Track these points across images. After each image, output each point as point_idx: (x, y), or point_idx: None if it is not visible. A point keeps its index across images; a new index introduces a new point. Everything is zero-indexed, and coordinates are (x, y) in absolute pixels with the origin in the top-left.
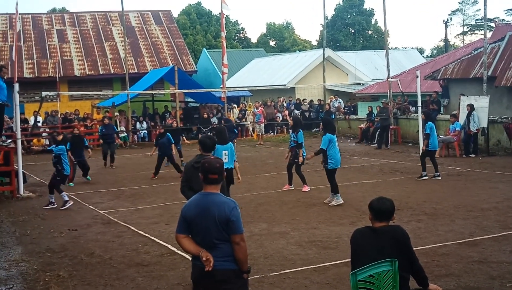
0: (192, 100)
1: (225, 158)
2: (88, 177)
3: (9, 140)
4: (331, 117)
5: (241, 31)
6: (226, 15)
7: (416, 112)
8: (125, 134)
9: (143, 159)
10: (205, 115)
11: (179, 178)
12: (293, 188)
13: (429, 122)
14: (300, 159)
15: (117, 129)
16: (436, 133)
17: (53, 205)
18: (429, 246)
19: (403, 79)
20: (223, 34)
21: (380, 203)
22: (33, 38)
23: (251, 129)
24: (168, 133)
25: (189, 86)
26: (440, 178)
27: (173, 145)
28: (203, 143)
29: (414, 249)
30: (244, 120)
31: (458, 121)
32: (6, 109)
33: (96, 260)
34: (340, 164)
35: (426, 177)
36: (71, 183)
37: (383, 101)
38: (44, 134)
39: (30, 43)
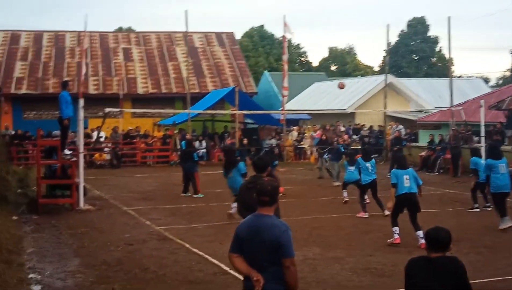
0: (251, 121)
1: (406, 183)
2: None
3: (69, 152)
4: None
5: (303, 55)
6: (288, 39)
7: (479, 142)
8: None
9: (200, 178)
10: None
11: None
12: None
13: (473, 157)
14: None
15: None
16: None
17: None
18: (488, 279)
19: (467, 108)
20: (285, 57)
21: (436, 233)
22: (100, 55)
23: (309, 152)
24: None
25: (249, 108)
26: (490, 209)
27: None
28: (254, 164)
29: (472, 282)
30: (302, 143)
31: None
32: (70, 123)
33: (150, 275)
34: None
35: (478, 209)
36: (200, 194)
37: (453, 128)
38: (106, 149)
39: (97, 60)
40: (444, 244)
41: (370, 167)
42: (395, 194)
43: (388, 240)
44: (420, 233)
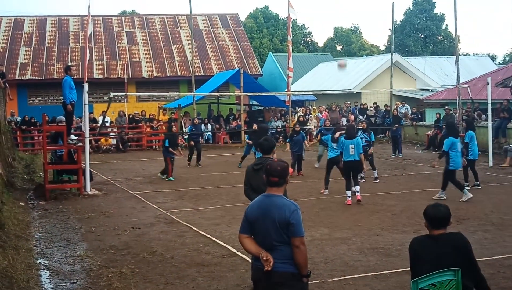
0: (256, 103)
1: (352, 151)
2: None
3: (76, 137)
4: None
5: (307, 35)
6: (293, 19)
7: (486, 120)
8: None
9: (206, 161)
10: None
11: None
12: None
13: (469, 131)
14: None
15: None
16: (476, 142)
17: None
18: (496, 257)
19: (473, 86)
20: (290, 38)
21: (435, 210)
22: (104, 39)
23: (314, 133)
24: (302, 131)
25: (254, 90)
26: (480, 187)
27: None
28: (261, 146)
29: (480, 259)
30: (307, 124)
31: None
32: (75, 108)
33: (158, 258)
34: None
35: (468, 188)
36: (171, 178)
37: (446, 108)
38: (111, 133)
39: (101, 44)
40: (444, 220)
41: (335, 145)
42: (343, 160)
43: (345, 201)
44: (358, 188)
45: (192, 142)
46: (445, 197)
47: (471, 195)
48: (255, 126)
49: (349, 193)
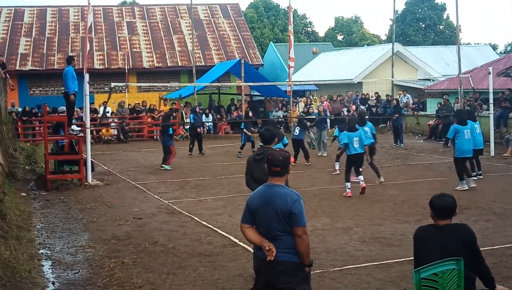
0: (257, 93)
1: (356, 144)
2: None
3: (77, 128)
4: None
5: (308, 25)
6: (294, 9)
7: (488, 109)
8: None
9: (208, 151)
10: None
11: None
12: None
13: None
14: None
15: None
16: (478, 132)
17: None
18: (497, 246)
19: (475, 75)
20: (290, 27)
21: (441, 201)
22: (104, 30)
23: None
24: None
25: (255, 80)
26: (482, 177)
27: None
28: (261, 136)
29: (481, 249)
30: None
31: None
32: (76, 99)
33: (159, 248)
34: (468, 154)
35: (475, 178)
36: (168, 167)
37: (444, 97)
38: (112, 124)
39: (101, 35)
40: (450, 211)
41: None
42: (347, 153)
43: (343, 193)
44: (361, 177)
45: (198, 130)
46: (466, 187)
47: (467, 187)
48: (250, 114)
49: (348, 185)
